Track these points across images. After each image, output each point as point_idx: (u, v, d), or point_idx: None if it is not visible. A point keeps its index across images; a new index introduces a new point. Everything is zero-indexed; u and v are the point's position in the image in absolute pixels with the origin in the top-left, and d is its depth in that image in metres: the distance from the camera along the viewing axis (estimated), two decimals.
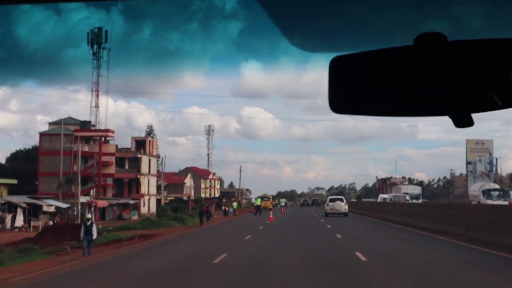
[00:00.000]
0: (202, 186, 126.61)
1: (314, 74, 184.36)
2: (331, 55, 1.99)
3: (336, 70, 1.98)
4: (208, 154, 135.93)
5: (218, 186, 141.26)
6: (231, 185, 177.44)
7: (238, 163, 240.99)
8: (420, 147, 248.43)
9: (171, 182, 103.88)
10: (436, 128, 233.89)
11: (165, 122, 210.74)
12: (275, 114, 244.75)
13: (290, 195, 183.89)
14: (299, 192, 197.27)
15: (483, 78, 1.85)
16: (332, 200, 55.40)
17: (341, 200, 54.89)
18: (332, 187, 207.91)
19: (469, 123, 1.93)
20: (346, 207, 53.30)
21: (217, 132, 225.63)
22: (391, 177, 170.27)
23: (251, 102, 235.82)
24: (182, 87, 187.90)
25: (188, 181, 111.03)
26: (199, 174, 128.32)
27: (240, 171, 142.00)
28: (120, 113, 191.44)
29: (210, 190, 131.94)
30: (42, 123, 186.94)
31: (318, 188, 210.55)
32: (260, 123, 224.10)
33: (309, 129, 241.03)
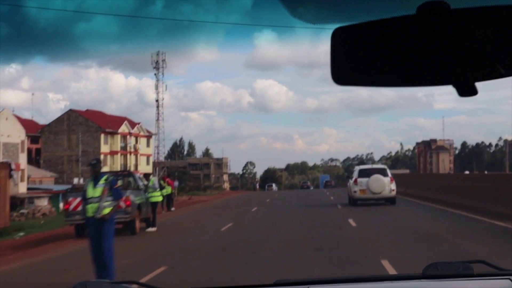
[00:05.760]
0: (106, 148, 70.65)
1: (329, 44, 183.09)
2: (334, 26, 1.99)
3: (338, 41, 1.99)
4: (156, 100, 74.68)
5: (149, 149, 79.89)
6: (206, 153, 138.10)
7: (251, 137, 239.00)
8: (434, 117, 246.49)
9: None
10: (449, 97, 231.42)
11: (177, 97, 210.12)
12: (288, 86, 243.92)
13: (301, 168, 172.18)
14: (310, 164, 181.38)
15: (486, 46, 1.85)
16: (363, 173, 28.87)
17: (383, 172, 29.06)
18: (347, 158, 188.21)
19: (473, 92, 1.93)
20: (393, 186, 28.49)
21: (230, 106, 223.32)
22: (436, 139, 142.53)
23: (264, 74, 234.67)
24: (195, 60, 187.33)
25: (12, 133, 49.71)
26: (97, 124, 69.75)
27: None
28: (132, 88, 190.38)
29: (130, 156, 74.82)
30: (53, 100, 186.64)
31: (332, 160, 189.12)
32: (273, 95, 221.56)
33: (323, 101, 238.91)
